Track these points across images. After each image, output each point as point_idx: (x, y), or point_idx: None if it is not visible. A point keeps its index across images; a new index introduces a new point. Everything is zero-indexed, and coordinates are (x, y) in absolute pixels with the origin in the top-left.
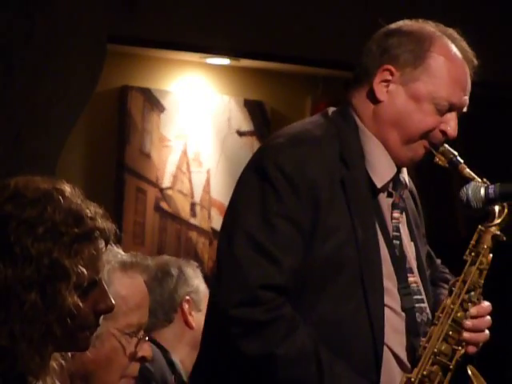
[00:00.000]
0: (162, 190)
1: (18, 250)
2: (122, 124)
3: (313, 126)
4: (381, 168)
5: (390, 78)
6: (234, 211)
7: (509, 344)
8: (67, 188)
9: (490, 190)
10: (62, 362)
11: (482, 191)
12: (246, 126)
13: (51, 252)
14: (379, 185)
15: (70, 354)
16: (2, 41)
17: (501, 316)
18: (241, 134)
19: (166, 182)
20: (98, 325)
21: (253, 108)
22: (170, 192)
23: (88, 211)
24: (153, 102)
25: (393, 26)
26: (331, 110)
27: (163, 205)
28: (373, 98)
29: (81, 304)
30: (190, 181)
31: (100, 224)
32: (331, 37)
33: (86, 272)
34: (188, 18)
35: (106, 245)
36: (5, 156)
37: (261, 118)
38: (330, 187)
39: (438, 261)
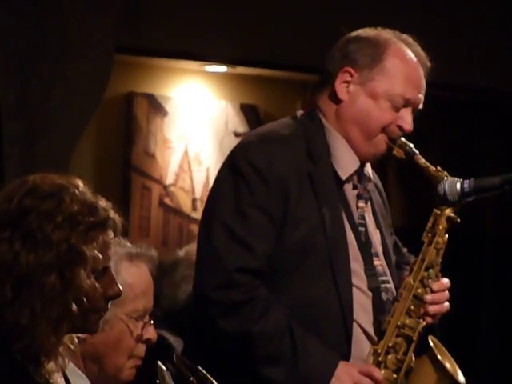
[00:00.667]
0: (165, 187)
1: (40, 237)
2: (129, 127)
3: (281, 126)
4: (345, 161)
5: (349, 79)
6: (211, 204)
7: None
8: (80, 183)
9: (465, 185)
10: (71, 345)
11: (458, 186)
12: (242, 127)
13: (69, 238)
14: (344, 177)
15: (80, 337)
16: (20, 54)
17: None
18: (237, 135)
19: (169, 180)
20: (107, 309)
21: (248, 112)
22: (172, 189)
23: (101, 203)
24: (156, 107)
25: (353, 33)
26: (299, 112)
27: (167, 200)
28: (335, 99)
29: (97, 285)
30: (191, 178)
31: (112, 215)
32: (320, 46)
33: (100, 256)
34: (188, 30)
35: (114, 235)
36: (21, 158)
37: (255, 120)
38: (298, 180)
39: (405, 249)
